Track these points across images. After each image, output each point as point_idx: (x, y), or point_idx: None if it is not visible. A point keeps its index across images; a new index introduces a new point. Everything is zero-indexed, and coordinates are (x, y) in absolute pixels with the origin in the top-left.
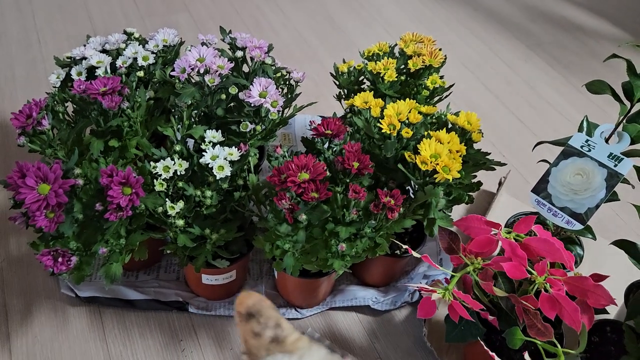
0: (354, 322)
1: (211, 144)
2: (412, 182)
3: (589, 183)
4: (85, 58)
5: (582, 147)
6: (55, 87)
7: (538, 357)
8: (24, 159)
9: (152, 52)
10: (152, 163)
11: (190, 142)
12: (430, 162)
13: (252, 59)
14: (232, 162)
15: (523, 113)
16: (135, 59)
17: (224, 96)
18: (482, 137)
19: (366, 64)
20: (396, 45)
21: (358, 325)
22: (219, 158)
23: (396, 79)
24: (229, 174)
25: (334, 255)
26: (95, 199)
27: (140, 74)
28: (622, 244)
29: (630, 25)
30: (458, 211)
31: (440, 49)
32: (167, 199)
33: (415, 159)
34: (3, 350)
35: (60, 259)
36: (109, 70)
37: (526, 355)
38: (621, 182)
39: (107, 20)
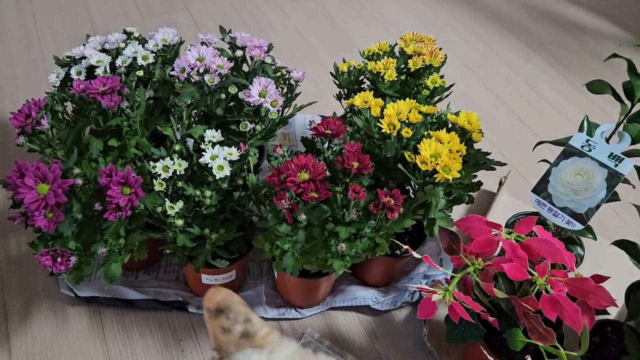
0: (354, 322)
1: (211, 143)
2: (412, 182)
3: (590, 183)
4: (84, 57)
5: (582, 147)
6: (54, 86)
7: (539, 357)
8: (23, 159)
9: (152, 52)
10: (151, 163)
11: (190, 142)
12: (430, 162)
13: (251, 58)
14: (231, 162)
15: (523, 113)
16: (134, 58)
17: (223, 96)
18: (483, 136)
19: (366, 64)
20: (396, 44)
21: (358, 325)
22: (219, 158)
23: (396, 79)
24: (229, 174)
25: (334, 255)
26: (95, 198)
27: (140, 73)
28: (622, 244)
29: (631, 25)
30: (458, 211)
31: (440, 49)
32: (166, 199)
33: (415, 158)
34: (2, 350)
35: (59, 259)
36: (108, 70)
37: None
38: (622, 182)
39: (108, 19)
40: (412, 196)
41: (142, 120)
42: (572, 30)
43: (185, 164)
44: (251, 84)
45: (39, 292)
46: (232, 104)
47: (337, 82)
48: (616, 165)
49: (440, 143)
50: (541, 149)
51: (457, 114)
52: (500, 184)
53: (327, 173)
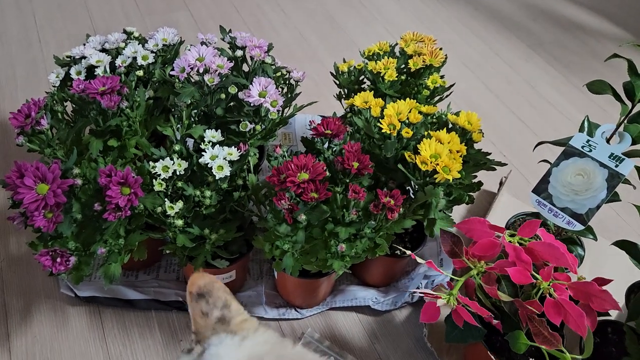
0: (354, 322)
1: (210, 143)
2: (412, 182)
3: (590, 183)
4: (84, 57)
5: (583, 147)
6: (54, 86)
7: (539, 357)
8: (22, 159)
9: (152, 52)
10: (151, 163)
11: (190, 142)
12: (431, 162)
13: (251, 58)
14: (231, 162)
15: (524, 113)
16: (134, 58)
17: (223, 96)
18: (483, 137)
19: (366, 64)
20: (397, 44)
21: (358, 325)
22: (219, 158)
23: (396, 79)
24: (229, 174)
25: (334, 255)
26: (94, 198)
27: (140, 73)
28: (623, 245)
29: (632, 25)
30: (458, 211)
31: (440, 48)
32: (166, 199)
33: (416, 159)
34: (3, 350)
35: (58, 259)
36: (108, 70)
37: None
38: (622, 182)
39: (108, 18)
40: (412, 196)
41: (141, 120)
42: (573, 30)
43: (185, 164)
44: (251, 84)
45: (39, 292)
46: (232, 104)
47: (337, 82)
48: (617, 166)
49: (441, 143)
50: (541, 149)
51: (457, 114)
52: (501, 184)
53: (327, 173)
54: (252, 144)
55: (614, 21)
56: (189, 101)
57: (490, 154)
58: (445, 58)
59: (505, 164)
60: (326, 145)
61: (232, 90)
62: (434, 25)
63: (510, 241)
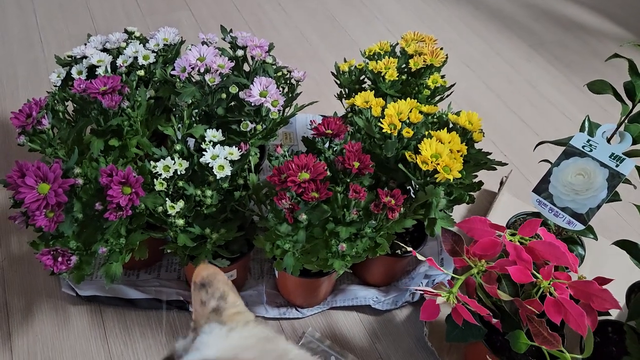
0: (355, 321)
1: (211, 143)
2: (412, 182)
3: (591, 183)
4: (85, 57)
5: (583, 147)
6: (55, 86)
7: (539, 357)
8: (24, 158)
9: (153, 51)
10: (152, 162)
11: (191, 142)
12: (431, 162)
13: (252, 58)
14: (232, 162)
15: (525, 112)
16: (135, 58)
17: (224, 95)
18: (484, 136)
19: (367, 63)
20: (397, 44)
21: (359, 325)
22: (220, 157)
23: (397, 78)
24: (230, 174)
25: (335, 255)
26: (95, 198)
27: (141, 73)
28: (623, 245)
29: (633, 25)
30: (459, 211)
31: (441, 48)
32: (167, 199)
33: (416, 158)
34: (4, 349)
35: (60, 259)
36: (109, 69)
37: None
38: (623, 182)
39: (109, 18)
40: (413, 196)
41: (143, 120)
42: (574, 29)
43: (186, 164)
44: (252, 83)
45: (41, 292)
46: (233, 103)
47: (338, 82)
48: (617, 166)
49: (441, 143)
50: (542, 148)
51: (458, 113)
52: (501, 183)
53: (328, 173)
54: (253, 144)
55: (615, 21)
56: (190, 101)
57: (490, 153)
58: (446, 58)
59: (505, 164)
60: (327, 144)
61: (233, 89)
62: (434, 24)
63: (511, 240)
